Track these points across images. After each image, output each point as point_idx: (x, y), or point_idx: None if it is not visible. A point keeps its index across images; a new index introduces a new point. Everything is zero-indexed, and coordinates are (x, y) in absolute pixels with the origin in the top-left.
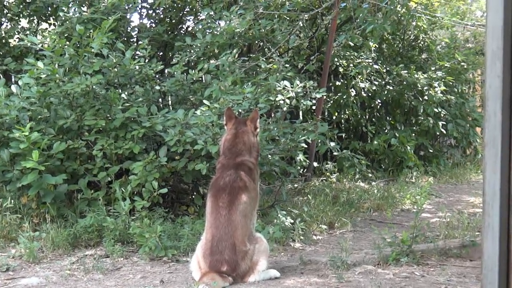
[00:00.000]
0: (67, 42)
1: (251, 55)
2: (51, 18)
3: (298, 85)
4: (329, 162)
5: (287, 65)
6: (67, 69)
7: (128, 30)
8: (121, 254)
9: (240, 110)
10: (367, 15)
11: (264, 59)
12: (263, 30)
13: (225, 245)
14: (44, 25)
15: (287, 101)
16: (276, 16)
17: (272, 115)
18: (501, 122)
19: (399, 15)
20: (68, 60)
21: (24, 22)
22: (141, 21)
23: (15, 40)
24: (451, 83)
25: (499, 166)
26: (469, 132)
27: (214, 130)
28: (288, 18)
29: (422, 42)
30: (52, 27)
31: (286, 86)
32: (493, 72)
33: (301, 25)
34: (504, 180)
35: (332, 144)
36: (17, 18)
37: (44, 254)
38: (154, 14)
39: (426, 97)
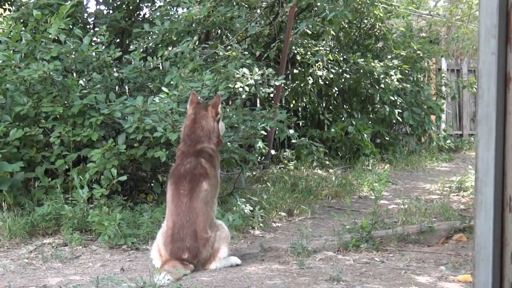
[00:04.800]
0: (24, 28)
1: (209, 43)
2: (6, 3)
3: (257, 72)
4: (287, 150)
5: (245, 53)
6: (23, 55)
7: (85, 17)
8: (80, 243)
9: (199, 98)
10: (328, 2)
11: (223, 47)
12: (222, 18)
13: (186, 232)
14: None
15: (246, 88)
16: (234, 4)
17: (230, 103)
18: (496, 99)
19: (359, 2)
20: (24, 46)
21: None
22: (98, 7)
23: None
24: (406, 72)
25: (493, 143)
26: (424, 120)
27: (173, 118)
28: (246, 6)
29: (378, 31)
30: (8, 12)
31: (245, 73)
32: (486, 49)
33: (259, 12)
34: (498, 157)
35: (291, 131)
36: None
37: (1, 243)
38: (111, 0)
39: (382, 85)
